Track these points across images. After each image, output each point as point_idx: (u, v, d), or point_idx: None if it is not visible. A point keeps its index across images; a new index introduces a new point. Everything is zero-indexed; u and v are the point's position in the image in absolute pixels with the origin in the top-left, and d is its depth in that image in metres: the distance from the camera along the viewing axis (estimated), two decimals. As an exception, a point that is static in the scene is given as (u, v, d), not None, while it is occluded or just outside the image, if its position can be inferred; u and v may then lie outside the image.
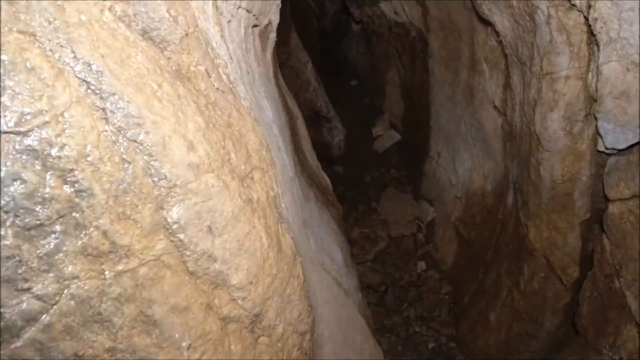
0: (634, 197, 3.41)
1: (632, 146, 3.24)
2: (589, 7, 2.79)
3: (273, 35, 3.28)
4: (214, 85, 1.36)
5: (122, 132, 1.02)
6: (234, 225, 1.23)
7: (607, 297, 3.60)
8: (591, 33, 2.92)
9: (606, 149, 3.43)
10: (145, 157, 1.04)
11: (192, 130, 1.13)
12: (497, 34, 3.86)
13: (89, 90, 1.00)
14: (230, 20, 2.10)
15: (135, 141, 1.03)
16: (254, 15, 2.63)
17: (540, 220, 4.19)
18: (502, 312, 4.71)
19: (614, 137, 3.29)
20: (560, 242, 4.14)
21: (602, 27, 2.81)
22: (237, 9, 2.28)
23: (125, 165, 1.02)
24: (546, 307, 4.22)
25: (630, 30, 2.71)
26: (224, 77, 1.45)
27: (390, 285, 5.96)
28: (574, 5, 2.90)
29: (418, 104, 6.46)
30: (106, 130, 1.00)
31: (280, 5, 3.21)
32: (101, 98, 1.00)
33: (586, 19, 2.89)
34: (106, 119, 1.00)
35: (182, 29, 1.26)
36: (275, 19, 3.17)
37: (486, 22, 3.97)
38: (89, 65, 0.99)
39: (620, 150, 3.36)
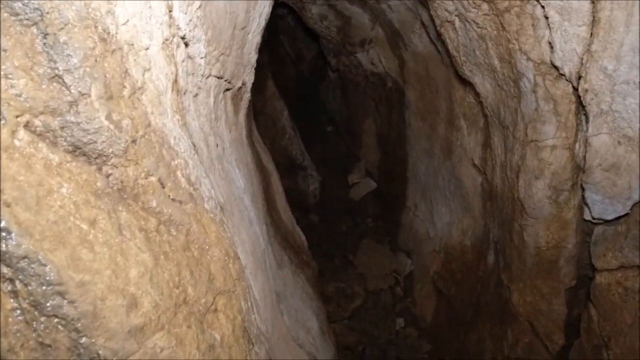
0: (622, 268, 3.30)
1: (620, 217, 3.13)
2: (579, 77, 2.71)
3: (247, 96, 3.08)
4: (169, 196, 1.11)
5: (38, 307, 0.75)
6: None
7: (596, 369, 3.43)
8: (580, 104, 2.83)
9: (593, 218, 3.32)
10: (71, 335, 0.77)
11: (135, 278, 0.87)
12: (478, 94, 3.77)
13: (-9, 253, 0.73)
14: (197, 94, 1.87)
15: (56, 316, 0.76)
16: (225, 80, 2.42)
17: (524, 284, 4.05)
18: (487, 379, 4.49)
19: (602, 208, 3.18)
20: (545, 307, 4.00)
21: (592, 99, 2.72)
22: (207, 78, 2.07)
23: (44, 351, 0.75)
24: (532, 375, 4.03)
25: (623, 104, 2.63)
26: (183, 180, 1.20)
27: (368, 345, 5.65)
28: (562, 74, 2.81)
29: (395, 154, 6.35)
30: (17, 309, 0.73)
31: (255, 65, 3.03)
32: (8, 265, 0.73)
33: (575, 89, 2.81)
34: (16, 292, 0.74)
35: (128, 136, 1.01)
36: (249, 79, 2.98)
37: (465, 81, 3.89)
38: (-11, 219, 0.72)
39: (607, 221, 3.26)
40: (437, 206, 5.58)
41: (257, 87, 6.12)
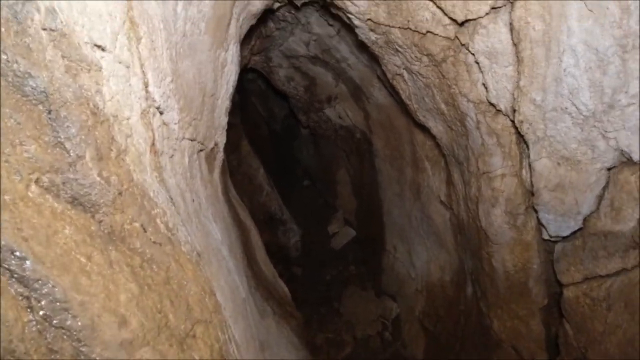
0: (586, 280, 3.49)
1: (575, 232, 3.37)
2: (514, 111, 3.04)
3: (220, 155, 3.34)
4: (150, 239, 1.32)
5: (48, 320, 0.94)
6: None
7: (578, 382, 3.54)
8: (519, 134, 3.14)
9: (551, 237, 3.55)
10: (73, 344, 0.96)
11: (125, 302, 1.07)
12: (434, 136, 4.12)
13: (13, 279, 0.93)
14: (172, 155, 2.12)
15: (62, 328, 0.95)
16: (199, 142, 2.68)
17: (502, 310, 4.20)
18: (479, 412, 4.50)
19: (557, 226, 3.42)
20: (524, 330, 4.13)
21: (528, 128, 3.04)
22: (181, 140, 2.32)
23: (53, 357, 0.93)
24: (521, 399, 4.09)
25: (555, 129, 2.94)
26: (162, 226, 1.41)
27: (361, 393, 5.62)
28: (499, 110, 3.16)
29: (370, 201, 6.61)
30: (32, 321, 0.93)
31: (225, 127, 3.31)
32: (25, 286, 0.93)
33: (512, 121, 3.13)
34: (31, 307, 0.93)
35: (115, 189, 1.23)
36: (221, 140, 3.25)
37: (422, 126, 4.25)
38: (12, 252, 0.93)
39: (564, 237, 3.49)
40: (414, 246, 5.78)
41: (232, 147, 6.41)
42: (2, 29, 1.19)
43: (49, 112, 1.10)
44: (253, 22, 3.72)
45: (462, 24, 2.91)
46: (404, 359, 6.00)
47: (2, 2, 1.18)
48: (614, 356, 3.31)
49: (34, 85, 1.13)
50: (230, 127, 3.34)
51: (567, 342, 3.67)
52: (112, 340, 1.01)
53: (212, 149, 3.06)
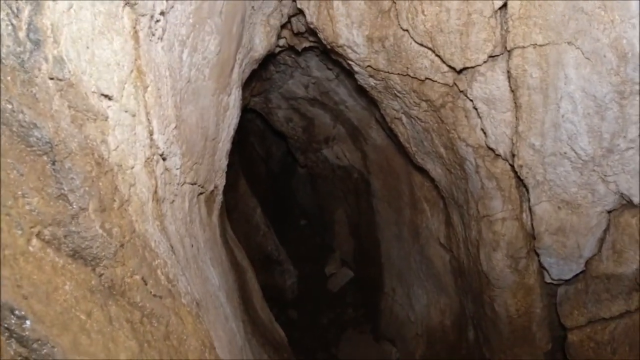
0: (590, 323, 3.43)
1: (577, 275, 3.33)
2: (513, 155, 3.06)
3: (220, 198, 3.32)
4: (150, 292, 1.28)
5: (44, 383, 0.89)
6: None
7: None
8: (519, 178, 3.15)
9: (553, 280, 3.51)
10: (69, 409, 0.90)
11: (124, 362, 1.02)
12: (432, 179, 4.13)
13: (12, 339, 0.89)
14: (173, 201, 2.09)
15: (59, 392, 0.90)
16: (199, 186, 2.67)
17: (505, 355, 4.10)
18: None
19: (559, 270, 3.39)
20: (529, 376, 4.01)
21: (528, 172, 3.05)
22: (182, 185, 2.30)
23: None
24: None
25: (555, 173, 2.95)
26: (163, 278, 1.38)
27: None
28: (498, 155, 3.18)
29: (367, 242, 6.55)
30: (27, 383, 0.88)
31: (225, 169, 3.31)
32: (24, 346, 0.89)
33: (512, 166, 3.15)
34: (28, 369, 0.88)
35: (117, 241, 1.20)
36: (221, 182, 3.24)
37: (420, 168, 4.27)
38: (12, 310, 0.89)
39: (567, 280, 3.45)
40: (413, 289, 5.68)
41: (230, 186, 6.39)
42: (9, 78, 1.18)
43: (54, 163, 1.08)
44: (255, 66, 3.79)
45: (460, 72, 2.97)
46: (404, 407, 5.78)
47: (8, 50, 1.18)
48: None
49: (39, 135, 1.12)
50: (228, 167, 3.33)
51: (573, 387, 3.57)
52: (110, 406, 0.95)
53: (212, 191, 3.04)
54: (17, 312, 0.88)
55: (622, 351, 3.33)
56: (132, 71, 1.52)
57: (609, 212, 3.08)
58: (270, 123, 6.99)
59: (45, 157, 1.10)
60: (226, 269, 3.26)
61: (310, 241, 7.83)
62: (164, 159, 1.79)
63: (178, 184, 2.17)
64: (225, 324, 2.56)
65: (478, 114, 3.10)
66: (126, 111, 1.42)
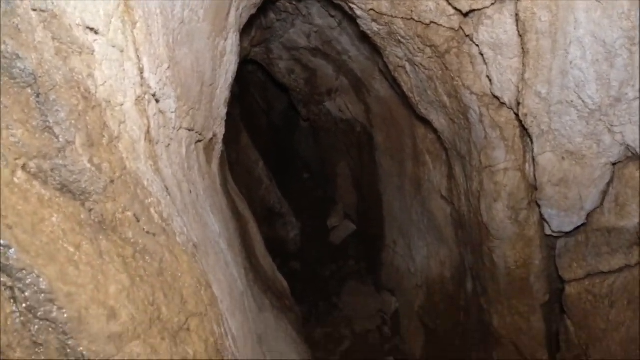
0: (589, 276, 3.45)
1: (578, 227, 3.33)
2: (519, 104, 2.98)
3: (219, 147, 3.29)
4: (143, 229, 1.27)
5: (32, 311, 0.90)
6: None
7: (578, 379, 3.52)
8: (523, 127, 3.09)
9: (553, 232, 3.51)
10: (59, 337, 0.92)
11: (114, 294, 1.02)
12: (435, 130, 4.07)
13: (-5, 267, 0.88)
14: (169, 144, 2.07)
15: (47, 320, 0.91)
16: (197, 132, 2.63)
17: (502, 306, 4.17)
18: (478, 408, 4.49)
19: (559, 222, 3.38)
20: (525, 326, 4.10)
21: (532, 121, 2.99)
22: (178, 130, 2.27)
23: (37, 350, 0.89)
24: (521, 396, 4.07)
25: (560, 122, 2.89)
26: (156, 216, 1.37)
27: (359, 387, 5.60)
28: (503, 103, 3.10)
29: (370, 195, 6.57)
30: (15, 312, 0.88)
31: (225, 118, 3.26)
32: (8, 275, 0.89)
33: (516, 114, 3.08)
34: (15, 298, 0.89)
35: (107, 177, 1.19)
36: (220, 131, 3.20)
37: (424, 119, 4.20)
38: (-5, 239, 0.88)
39: (567, 233, 3.45)
40: (414, 241, 5.74)
41: (231, 139, 6.35)
42: (-10, 10, 1.13)
43: (38, 95, 1.05)
44: (253, 11, 3.65)
45: (466, 15, 2.85)
46: (402, 354, 5.98)
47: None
48: (616, 354, 3.28)
49: (22, 67, 1.08)
50: (230, 119, 3.29)
51: (568, 339, 3.64)
52: (100, 334, 0.96)
53: (211, 139, 3.01)
54: (0, 241, 0.88)
55: (620, 305, 3.36)
56: (119, 5, 1.45)
57: (614, 164, 3.03)
58: (272, 75, 6.86)
59: (29, 90, 1.06)
60: (227, 218, 3.28)
61: (312, 194, 7.86)
62: (157, 100, 1.75)
63: (174, 128, 2.14)
64: (225, 270, 2.60)
65: (484, 60, 3.00)
66: (114, 46, 1.37)
